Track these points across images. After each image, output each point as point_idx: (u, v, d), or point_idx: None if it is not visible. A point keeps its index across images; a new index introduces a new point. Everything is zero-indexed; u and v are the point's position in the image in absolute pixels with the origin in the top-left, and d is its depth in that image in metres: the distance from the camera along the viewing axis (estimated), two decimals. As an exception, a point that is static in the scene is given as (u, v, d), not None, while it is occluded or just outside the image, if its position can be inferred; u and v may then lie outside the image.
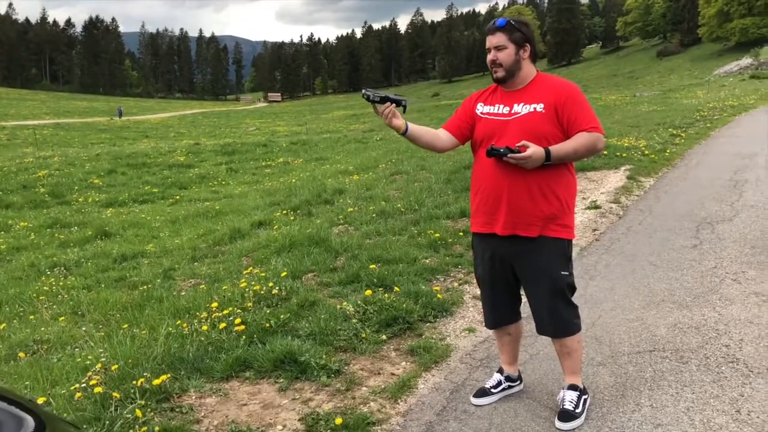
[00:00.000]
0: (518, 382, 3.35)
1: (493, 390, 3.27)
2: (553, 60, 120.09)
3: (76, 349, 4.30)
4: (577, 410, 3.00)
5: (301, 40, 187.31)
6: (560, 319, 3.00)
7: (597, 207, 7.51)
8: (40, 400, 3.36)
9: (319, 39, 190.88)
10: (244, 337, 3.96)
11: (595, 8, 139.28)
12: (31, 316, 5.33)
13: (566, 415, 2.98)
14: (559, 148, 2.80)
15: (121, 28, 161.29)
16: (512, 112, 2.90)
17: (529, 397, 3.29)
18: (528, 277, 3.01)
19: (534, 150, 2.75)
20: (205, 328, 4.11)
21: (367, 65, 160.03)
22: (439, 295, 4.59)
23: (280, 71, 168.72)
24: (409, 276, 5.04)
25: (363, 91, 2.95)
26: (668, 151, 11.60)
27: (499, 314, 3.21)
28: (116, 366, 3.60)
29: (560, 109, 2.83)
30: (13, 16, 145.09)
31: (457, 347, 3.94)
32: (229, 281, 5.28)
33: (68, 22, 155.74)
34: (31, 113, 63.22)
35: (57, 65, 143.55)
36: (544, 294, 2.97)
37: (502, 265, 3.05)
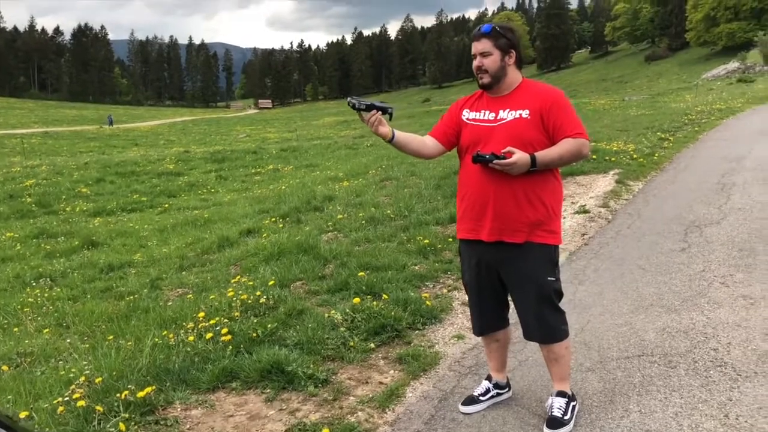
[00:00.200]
0: (507, 389, 3.33)
1: (481, 398, 3.25)
2: (542, 65, 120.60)
3: (60, 362, 4.24)
4: (566, 417, 2.98)
5: (292, 46, 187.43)
6: (547, 325, 2.98)
7: (586, 211, 7.52)
8: (23, 415, 3.31)
9: (309, 45, 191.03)
10: (230, 347, 3.92)
11: (584, 13, 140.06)
12: (15, 329, 5.27)
13: (555, 422, 2.96)
14: (544, 155, 2.79)
15: (111, 36, 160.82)
16: (498, 118, 2.89)
17: (518, 404, 3.27)
18: (514, 283, 2.99)
19: (519, 156, 2.73)
20: (191, 338, 4.06)
21: (357, 71, 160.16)
22: (428, 302, 4.57)
23: (270, 78, 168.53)
24: (398, 283, 5.02)
25: (348, 99, 2.94)
26: (657, 154, 11.64)
27: (487, 320, 3.19)
28: (100, 378, 3.55)
29: (545, 115, 2.82)
30: (1, 24, 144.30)
31: (445, 354, 3.91)
32: (217, 290, 5.24)
33: (57, 30, 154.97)
34: (19, 122, 62.82)
35: (45, 73, 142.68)
36: (531, 300, 2.96)
37: (489, 272, 3.03)
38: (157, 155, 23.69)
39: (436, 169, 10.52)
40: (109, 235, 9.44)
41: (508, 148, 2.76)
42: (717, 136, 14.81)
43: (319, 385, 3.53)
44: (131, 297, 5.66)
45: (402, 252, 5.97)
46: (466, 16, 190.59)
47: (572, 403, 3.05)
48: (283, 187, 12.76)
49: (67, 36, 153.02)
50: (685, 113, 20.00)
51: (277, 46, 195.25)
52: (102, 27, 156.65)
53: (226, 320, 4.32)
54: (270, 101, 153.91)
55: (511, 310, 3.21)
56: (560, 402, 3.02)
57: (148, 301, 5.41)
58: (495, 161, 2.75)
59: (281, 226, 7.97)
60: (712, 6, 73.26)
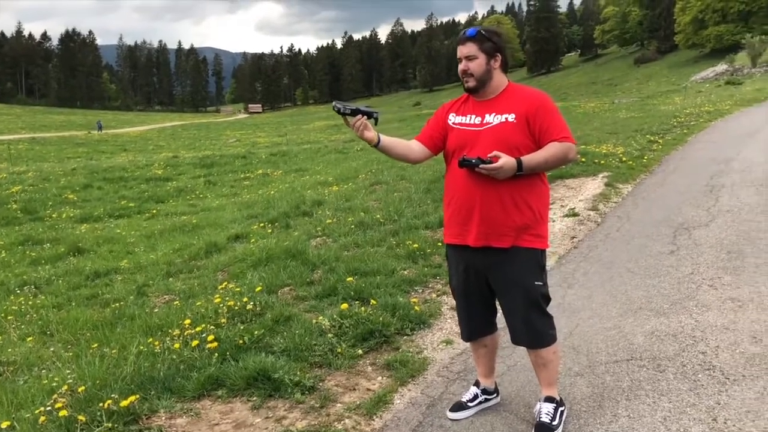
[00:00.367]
0: (495, 394, 3.30)
1: (469, 404, 3.22)
2: (532, 68, 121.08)
3: (43, 371, 4.18)
4: (554, 423, 2.95)
5: (282, 51, 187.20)
6: (535, 330, 2.96)
7: (575, 214, 7.52)
8: (4, 425, 3.26)
9: (299, 50, 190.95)
10: (216, 354, 3.87)
11: (573, 17, 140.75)
12: (-1, 337, 5.19)
13: (543, 428, 2.93)
14: (530, 159, 2.77)
15: (99, 41, 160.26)
16: (484, 122, 2.87)
17: (506, 410, 3.24)
18: (502, 288, 2.97)
19: (506, 160, 2.71)
20: (177, 345, 4.01)
21: (348, 75, 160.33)
22: (416, 307, 4.54)
23: (260, 82, 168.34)
24: (387, 288, 4.99)
25: (334, 103, 2.91)
26: (646, 157, 11.68)
27: (475, 326, 3.17)
28: (83, 388, 3.50)
29: (531, 119, 2.81)
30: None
31: (434, 360, 3.88)
32: (204, 297, 5.19)
33: (44, 36, 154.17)
34: (6, 128, 62.34)
35: (33, 79, 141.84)
36: (519, 305, 2.93)
37: (477, 277, 3.00)
38: (145, 160, 23.56)
39: (426, 173, 10.50)
40: (96, 242, 9.35)
41: (495, 153, 2.73)
42: (705, 138, 14.90)
43: (306, 392, 3.49)
44: (117, 304, 5.60)
45: (391, 257, 5.94)
46: (456, 20, 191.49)
47: (560, 409, 3.03)
48: (272, 192, 12.70)
49: (55, 41, 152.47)
50: (674, 116, 20.12)
51: (266, 51, 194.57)
52: (90, 32, 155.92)
53: (212, 327, 4.27)
54: (260, 106, 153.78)
55: (499, 315, 3.18)
56: (548, 407, 3.00)
57: (134, 308, 5.35)
58: (481, 165, 2.73)
59: (270, 231, 7.92)
60: (700, 9, 73.82)
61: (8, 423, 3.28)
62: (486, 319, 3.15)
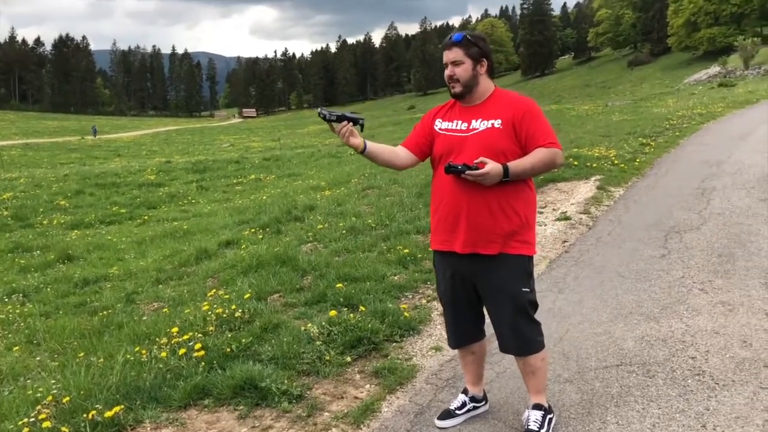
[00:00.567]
0: (483, 402, 3.27)
1: (457, 411, 3.19)
2: (526, 71, 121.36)
3: (29, 381, 4.13)
4: (543, 430, 2.93)
5: (276, 55, 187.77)
6: (523, 337, 2.93)
7: (567, 218, 7.50)
8: (-14, 437, 3.21)
9: (293, 54, 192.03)
10: (203, 363, 3.83)
11: (567, 20, 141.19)
12: (-15, 347, 5.13)
13: (531, 437, 2.90)
14: (516, 165, 2.75)
15: (92, 46, 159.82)
16: (470, 128, 2.85)
17: (495, 418, 3.21)
18: (489, 294, 2.94)
19: (492, 166, 2.69)
20: (164, 354, 3.97)
21: (342, 79, 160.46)
22: (405, 314, 4.51)
23: (254, 87, 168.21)
24: (377, 294, 4.95)
25: (319, 110, 2.89)
26: (638, 160, 11.68)
27: (463, 332, 3.14)
28: (68, 398, 3.46)
29: (518, 125, 2.79)
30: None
31: (423, 367, 3.85)
32: (193, 304, 5.14)
33: (37, 41, 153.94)
34: (-1, 133, 62.16)
35: (26, 84, 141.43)
36: (506, 312, 2.91)
37: (464, 284, 2.98)
38: (138, 166, 23.49)
39: (419, 177, 10.48)
40: (86, 249, 9.29)
41: (481, 159, 2.71)
42: (698, 140, 14.91)
43: (293, 401, 3.46)
44: (105, 312, 5.54)
45: (382, 262, 5.91)
46: (450, 23, 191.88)
47: (549, 416, 3.00)
48: (265, 197, 12.66)
49: (48, 47, 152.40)
50: (667, 118, 20.14)
51: (260, 55, 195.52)
52: (83, 37, 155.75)
53: (200, 335, 4.24)
54: (254, 110, 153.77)
55: (487, 322, 3.15)
56: (536, 415, 2.97)
57: (122, 316, 5.31)
58: (467, 172, 2.71)
59: (261, 237, 7.88)
60: (693, 11, 74.13)
61: (-9, 435, 3.23)
62: (474, 326, 3.13)
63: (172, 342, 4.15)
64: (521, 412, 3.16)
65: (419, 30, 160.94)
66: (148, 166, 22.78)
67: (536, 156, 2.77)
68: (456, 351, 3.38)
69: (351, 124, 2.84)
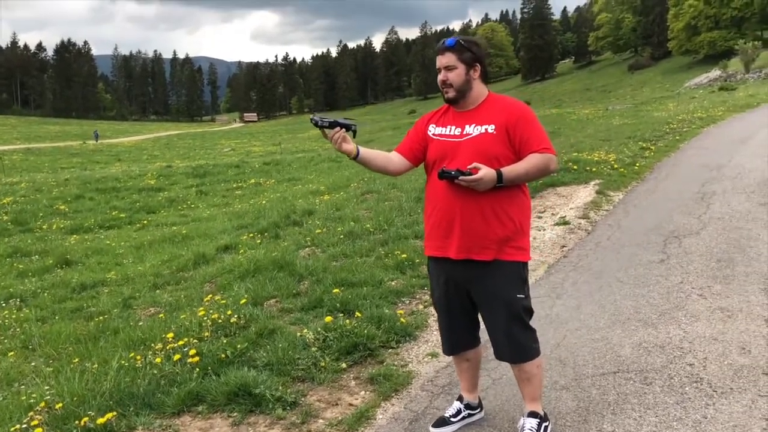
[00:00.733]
0: (479, 409, 3.24)
1: (452, 419, 3.16)
2: (527, 75, 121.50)
3: (23, 387, 4.11)
4: (538, 438, 2.90)
5: (277, 59, 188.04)
6: (517, 344, 2.90)
7: (566, 223, 7.47)
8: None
9: (294, 58, 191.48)
10: (198, 369, 3.80)
11: (567, 24, 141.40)
12: (-20, 352, 5.12)
13: (526, 444, 2.87)
14: (510, 170, 2.72)
15: (94, 51, 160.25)
16: (464, 133, 2.83)
17: (490, 425, 3.18)
18: (483, 301, 2.92)
19: (485, 172, 2.67)
20: (158, 360, 3.95)
21: (343, 84, 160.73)
22: (402, 320, 4.48)
23: (255, 91, 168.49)
24: (374, 299, 4.93)
25: (311, 116, 2.88)
26: (638, 164, 11.65)
27: (457, 339, 3.11)
28: (61, 404, 3.43)
29: (511, 130, 2.77)
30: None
31: (418, 374, 3.82)
32: (189, 309, 5.12)
33: (39, 46, 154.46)
34: (0, 138, 62.24)
35: (28, 89, 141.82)
36: (500, 318, 2.88)
37: (458, 290, 2.96)
38: (138, 170, 23.50)
39: (418, 182, 10.45)
40: (85, 253, 9.28)
41: (474, 164, 2.69)
42: (698, 144, 14.88)
43: (288, 407, 3.43)
44: (101, 317, 5.52)
45: (379, 267, 5.88)
46: (451, 28, 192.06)
47: (544, 424, 2.97)
48: (264, 202, 12.65)
49: (50, 52, 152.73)
50: (667, 122, 20.11)
51: (262, 60, 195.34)
52: (85, 42, 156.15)
53: (195, 341, 4.22)
54: (255, 115, 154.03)
55: (482, 329, 3.12)
56: (532, 423, 2.94)
57: (118, 321, 5.29)
58: (461, 177, 2.68)
59: (259, 241, 7.86)
60: (693, 15, 74.22)
61: (-17, 442, 3.21)
62: (468, 332, 3.10)
63: (167, 347, 4.12)
64: (517, 419, 3.13)
65: (420, 34, 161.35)
66: (148, 171, 22.78)
67: (530, 161, 2.75)
68: (451, 357, 3.35)
69: (343, 130, 2.83)
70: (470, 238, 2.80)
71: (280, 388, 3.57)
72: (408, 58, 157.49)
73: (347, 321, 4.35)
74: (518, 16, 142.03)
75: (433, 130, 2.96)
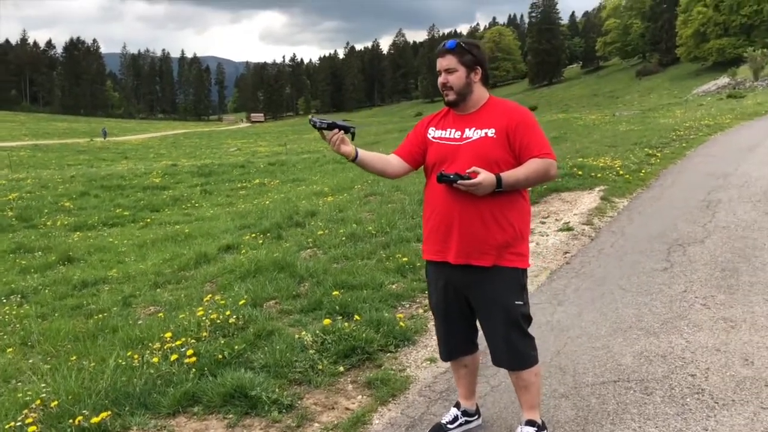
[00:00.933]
0: (476, 416, 3.21)
1: (449, 426, 3.12)
2: (534, 80, 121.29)
3: (20, 384, 4.10)
4: (535, 448, 2.86)
5: (284, 60, 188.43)
6: (515, 351, 2.87)
7: (569, 229, 7.42)
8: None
9: (301, 59, 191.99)
10: (194, 369, 3.78)
11: (575, 29, 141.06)
12: (-22, 348, 5.11)
13: (523, 453, 2.84)
14: (510, 175, 2.69)
15: (103, 49, 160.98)
16: (464, 136, 2.80)
17: (487, 433, 3.14)
18: (482, 307, 2.89)
19: (485, 176, 2.64)
20: (156, 359, 3.93)
21: (350, 85, 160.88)
22: (401, 324, 4.44)
23: (262, 91, 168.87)
24: (373, 303, 4.90)
25: (310, 117, 2.86)
26: (643, 171, 11.58)
27: (454, 344, 3.08)
28: (56, 402, 3.42)
29: (512, 134, 2.73)
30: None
31: (416, 379, 3.79)
32: (188, 309, 5.10)
33: (49, 44, 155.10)
34: (9, 135, 62.49)
35: (37, 86, 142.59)
36: (499, 325, 2.85)
37: (456, 295, 2.92)
38: (144, 168, 23.54)
39: (421, 185, 10.32)
40: (87, 251, 9.29)
41: (473, 168, 2.66)
42: (704, 152, 14.80)
43: (284, 410, 3.40)
44: (101, 315, 5.51)
45: (380, 270, 5.85)
46: (458, 31, 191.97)
47: (542, 433, 2.93)
48: (267, 202, 12.63)
49: (59, 49, 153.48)
50: (674, 129, 20.02)
51: (269, 60, 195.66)
52: (94, 40, 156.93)
53: (193, 341, 4.19)
54: (262, 115, 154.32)
55: (480, 335, 3.09)
56: (529, 431, 2.90)
57: (117, 319, 5.28)
58: (459, 181, 2.65)
59: (261, 242, 7.84)
60: (702, 22, 73.91)
61: (-23, 438, 3.20)
62: (466, 338, 3.06)
63: (165, 347, 4.11)
64: (514, 427, 3.09)
65: (427, 37, 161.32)
66: (154, 169, 22.82)
67: (530, 167, 2.71)
68: (449, 363, 3.32)
69: (342, 132, 2.80)
70: (469, 243, 2.77)
71: (277, 390, 3.54)
72: (415, 61, 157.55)
73: (346, 324, 4.32)
74: (526, 20, 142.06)
75: (433, 133, 2.93)
